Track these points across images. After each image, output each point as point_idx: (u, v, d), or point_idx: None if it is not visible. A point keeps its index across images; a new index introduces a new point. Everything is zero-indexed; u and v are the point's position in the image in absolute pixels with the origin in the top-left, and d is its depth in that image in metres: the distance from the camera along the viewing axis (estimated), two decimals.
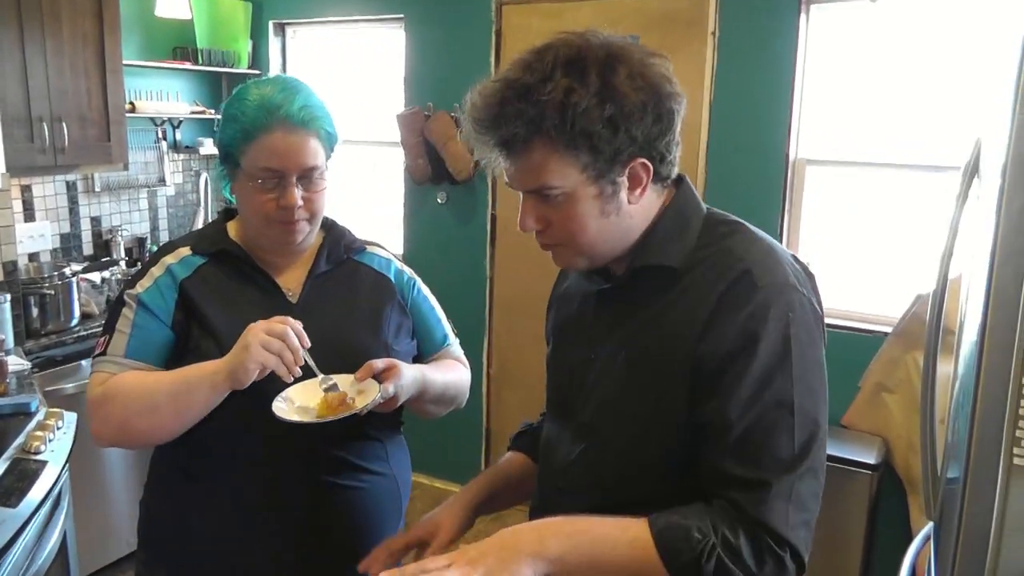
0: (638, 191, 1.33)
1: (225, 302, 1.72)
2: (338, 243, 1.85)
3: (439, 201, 4.59)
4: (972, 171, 2.30)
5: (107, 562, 3.78)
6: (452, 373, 1.91)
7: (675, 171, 1.38)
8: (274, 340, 1.52)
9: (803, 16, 3.58)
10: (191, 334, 1.70)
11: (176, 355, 1.70)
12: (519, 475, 1.68)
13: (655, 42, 3.81)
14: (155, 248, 4.57)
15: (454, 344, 2.00)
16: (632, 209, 1.34)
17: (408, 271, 1.96)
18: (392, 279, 1.89)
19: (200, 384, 1.58)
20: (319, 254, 1.82)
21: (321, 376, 1.64)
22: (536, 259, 4.80)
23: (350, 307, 1.81)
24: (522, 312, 4.43)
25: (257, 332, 1.53)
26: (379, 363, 1.65)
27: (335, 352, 1.69)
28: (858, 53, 3.59)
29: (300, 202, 1.67)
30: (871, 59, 3.56)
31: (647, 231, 1.38)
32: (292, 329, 1.54)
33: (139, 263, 4.44)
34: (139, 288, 1.73)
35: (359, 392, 1.63)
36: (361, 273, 1.87)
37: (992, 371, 1.93)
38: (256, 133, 1.64)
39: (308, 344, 1.57)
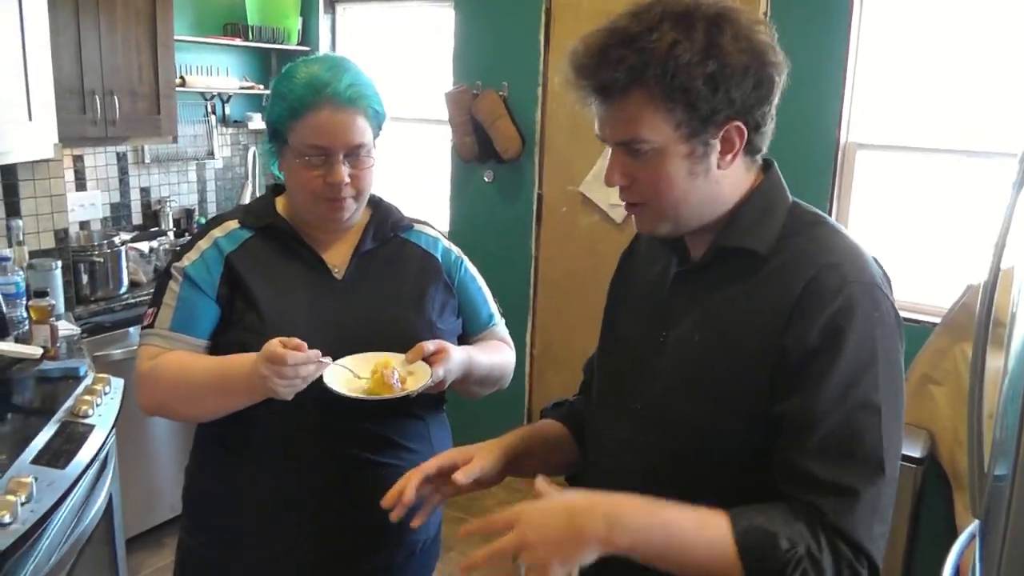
0: (729, 156, 1.28)
1: (270, 276, 1.74)
2: (385, 221, 1.86)
3: (486, 180, 4.59)
4: None
5: (151, 525, 3.85)
6: (497, 355, 1.91)
7: (767, 144, 1.35)
8: (284, 370, 1.50)
9: None
10: (235, 307, 1.72)
11: (221, 328, 1.73)
12: (554, 440, 1.62)
13: None
14: (203, 220, 4.64)
15: (500, 324, 1.99)
16: (721, 175, 1.30)
17: (456, 250, 1.95)
18: (439, 258, 1.89)
19: (237, 389, 1.61)
20: (366, 231, 1.82)
21: (375, 354, 1.65)
22: (582, 240, 4.81)
23: (395, 285, 1.81)
24: (567, 293, 4.42)
25: (266, 370, 1.51)
26: (430, 345, 1.65)
27: (379, 329, 1.71)
28: (913, 34, 3.53)
29: (347, 179, 1.68)
30: (927, 40, 3.49)
31: (733, 212, 1.34)
32: (291, 356, 1.50)
33: (187, 233, 4.49)
34: (186, 261, 1.75)
35: (409, 373, 1.64)
36: (408, 251, 1.87)
37: None
38: (303, 111, 1.65)
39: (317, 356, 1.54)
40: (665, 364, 1.36)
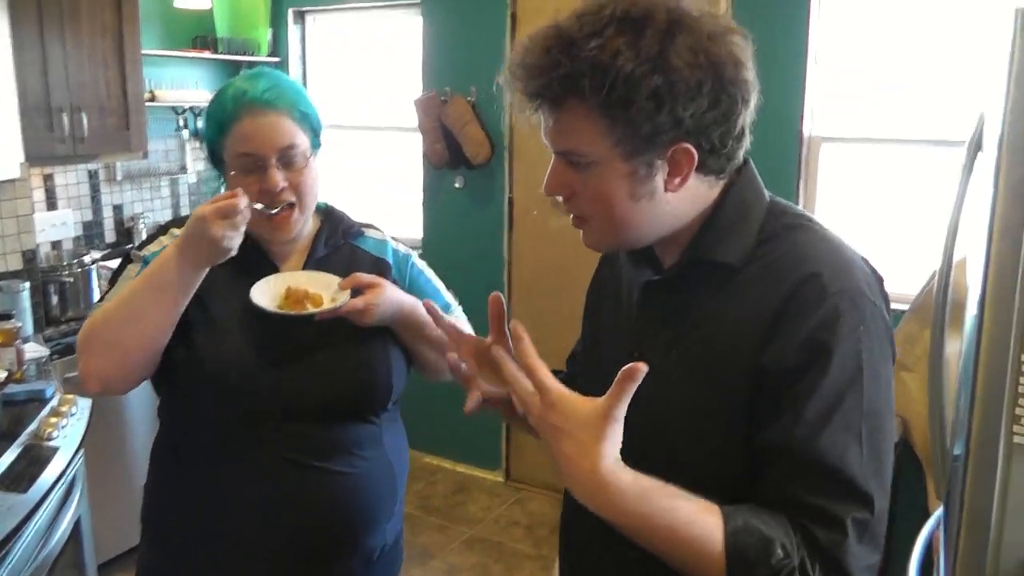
0: (677, 180, 1.17)
1: (223, 279, 1.72)
2: (336, 228, 1.85)
3: (457, 185, 4.60)
4: (976, 145, 2.27)
5: (128, 547, 3.80)
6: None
7: (731, 165, 1.23)
8: (237, 219, 1.53)
9: None
10: (187, 310, 1.71)
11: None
12: None
13: None
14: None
15: (457, 311, 1.98)
16: (671, 197, 1.19)
17: (403, 248, 1.95)
18: (389, 260, 1.89)
19: (169, 278, 1.59)
20: (317, 238, 1.82)
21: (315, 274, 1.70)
22: (553, 243, 4.83)
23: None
24: (540, 294, 4.44)
25: (218, 229, 1.53)
26: (365, 277, 1.67)
27: (328, 337, 1.70)
28: (870, 28, 3.55)
29: (282, 183, 1.67)
30: (882, 34, 3.52)
31: (704, 221, 1.24)
32: (240, 202, 1.53)
33: None
34: (146, 252, 1.76)
35: (332, 300, 1.65)
36: (358, 257, 1.86)
37: (992, 347, 1.91)
38: (229, 124, 1.66)
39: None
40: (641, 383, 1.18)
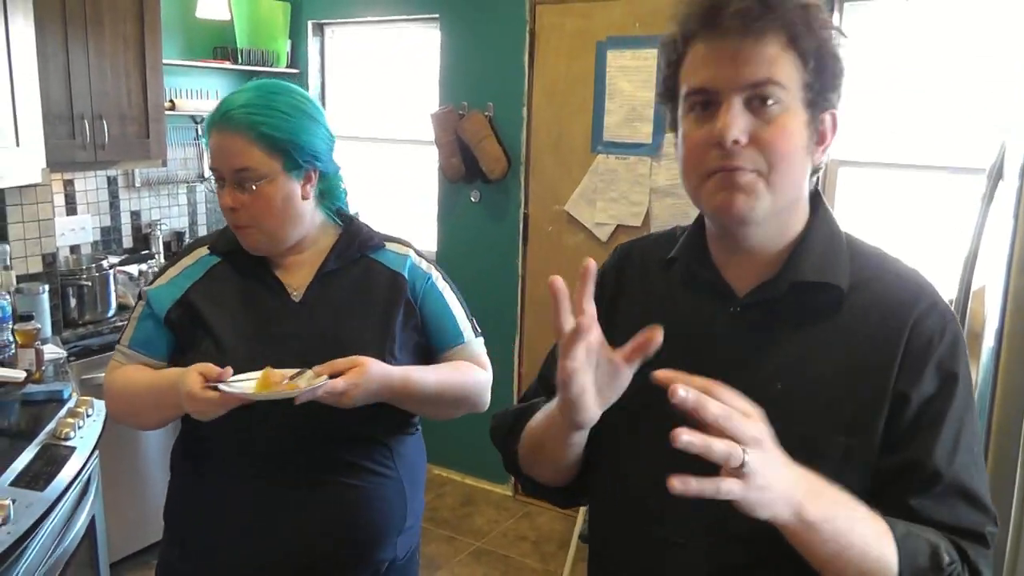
0: (821, 148, 1.17)
1: (229, 302, 1.77)
2: (352, 241, 1.84)
3: (472, 200, 4.62)
4: (997, 174, 2.28)
5: (142, 546, 3.84)
6: (456, 374, 1.86)
7: (816, 173, 1.23)
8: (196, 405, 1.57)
9: (836, 14, 3.56)
10: (192, 333, 1.75)
11: (179, 350, 1.78)
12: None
13: None
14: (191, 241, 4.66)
15: (471, 344, 1.92)
16: (808, 171, 1.17)
17: (425, 265, 1.90)
18: (406, 275, 1.85)
19: (168, 404, 1.67)
20: (330, 252, 1.82)
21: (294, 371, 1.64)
22: (568, 259, 4.84)
23: (356, 306, 1.79)
24: None
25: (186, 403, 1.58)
26: (341, 362, 1.62)
27: (332, 350, 1.68)
28: (888, 52, 3.56)
29: (233, 204, 1.69)
30: (902, 58, 3.53)
31: (795, 245, 1.21)
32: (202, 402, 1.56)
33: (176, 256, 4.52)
34: (154, 285, 1.81)
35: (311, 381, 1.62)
36: (375, 271, 1.84)
37: (1009, 378, 1.91)
38: (208, 136, 1.70)
39: (229, 374, 1.57)
40: None
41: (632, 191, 4.10)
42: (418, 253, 1.93)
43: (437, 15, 4.59)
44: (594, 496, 1.40)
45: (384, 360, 1.71)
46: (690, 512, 1.10)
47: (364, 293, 1.81)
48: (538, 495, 1.43)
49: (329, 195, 1.84)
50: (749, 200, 1.13)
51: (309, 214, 1.78)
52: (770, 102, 1.10)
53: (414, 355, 1.84)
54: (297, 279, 1.81)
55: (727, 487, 0.93)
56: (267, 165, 1.68)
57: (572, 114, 4.26)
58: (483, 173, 4.45)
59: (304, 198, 1.75)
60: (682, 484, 0.91)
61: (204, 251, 1.84)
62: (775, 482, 0.97)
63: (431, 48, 4.70)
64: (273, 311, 1.76)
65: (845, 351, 1.17)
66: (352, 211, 1.92)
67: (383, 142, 5.13)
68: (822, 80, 1.12)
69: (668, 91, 1.21)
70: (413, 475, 1.89)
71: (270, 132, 1.67)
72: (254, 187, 1.68)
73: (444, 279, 1.93)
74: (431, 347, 1.89)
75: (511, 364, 4.58)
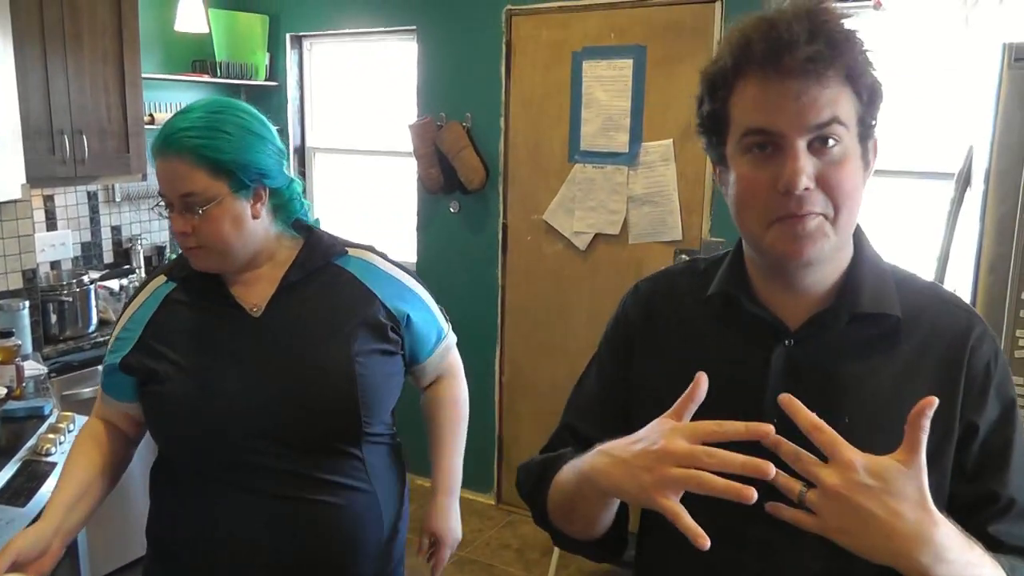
0: (867, 176, 1.16)
1: (188, 329, 1.75)
2: (313, 251, 1.80)
3: (451, 210, 4.64)
4: (965, 179, 2.32)
5: (124, 562, 3.84)
6: (459, 428, 2.06)
7: None
8: None
9: None
10: (154, 368, 1.73)
11: (144, 383, 1.76)
12: None
13: (660, 52, 3.88)
14: (173, 257, 4.66)
15: (444, 346, 1.96)
16: (861, 200, 1.15)
17: (388, 267, 1.87)
18: (371, 284, 1.81)
19: None
20: (292, 265, 1.77)
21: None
22: (547, 268, 4.86)
23: (317, 317, 1.76)
24: (534, 320, 4.47)
25: None
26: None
27: (294, 364, 1.69)
28: None
29: (182, 228, 1.65)
30: (875, 67, 3.56)
31: (846, 275, 1.20)
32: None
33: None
34: (112, 336, 1.81)
35: None
36: (343, 280, 1.80)
37: None
38: (153, 161, 1.66)
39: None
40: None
41: (610, 200, 4.14)
42: (382, 256, 1.89)
43: (414, 27, 4.62)
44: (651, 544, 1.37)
45: (352, 371, 1.71)
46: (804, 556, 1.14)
47: (331, 303, 1.77)
48: (575, 550, 1.39)
49: (284, 209, 1.78)
50: (817, 244, 1.11)
51: (263, 231, 1.73)
52: (831, 143, 1.08)
53: (385, 363, 1.81)
54: (255, 294, 1.76)
55: (791, 515, 1.00)
56: (213, 188, 1.63)
57: (549, 124, 4.29)
58: (462, 184, 4.47)
59: (255, 217, 1.70)
60: (773, 508, 0.99)
61: (161, 280, 1.81)
62: (861, 531, 0.97)
63: (409, 60, 4.72)
64: (229, 330, 1.73)
65: (909, 382, 1.15)
66: (312, 220, 1.87)
67: (362, 154, 5.15)
68: (871, 111, 1.12)
69: (713, 123, 1.18)
70: (388, 489, 1.86)
71: (213, 156, 1.62)
72: (200, 211, 1.63)
73: (414, 276, 1.91)
74: (413, 353, 1.89)
75: (492, 374, 4.58)
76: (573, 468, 1.22)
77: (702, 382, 1.04)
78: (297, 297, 1.76)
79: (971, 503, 1.15)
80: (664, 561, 1.32)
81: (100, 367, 1.86)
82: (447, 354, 1.98)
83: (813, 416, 0.97)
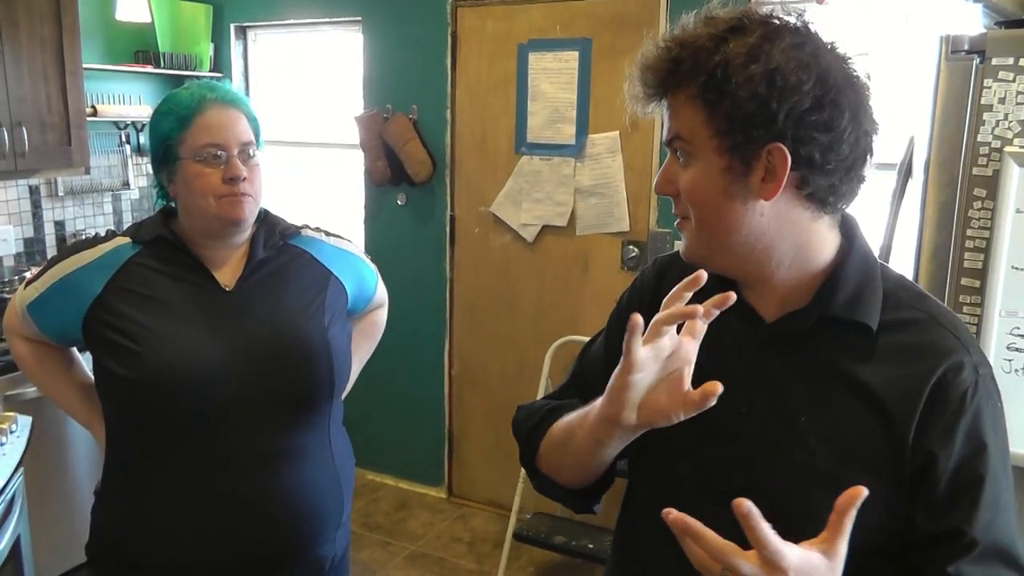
0: (772, 184, 1.11)
1: (157, 297, 1.75)
2: (273, 230, 1.89)
3: (399, 203, 4.62)
4: (907, 170, 2.37)
5: (71, 566, 3.76)
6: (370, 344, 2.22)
7: (839, 199, 1.19)
8: None
9: None
10: (125, 328, 1.72)
11: (98, 344, 1.76)
12: None
13: (606, 44, 3.90)
14: None
15: (379, 286, 2.16)
16: (767, 209, 1.14)
17: (332, 241, 2.01)
18: (322, 257, 1.94)
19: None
20: (254, 243, 1.84)
21: None
22: (495, 260, 4.88)
23: (286, 293, 1.84)
24: (482, 313, 4.48)
25: None
26: None
27: (271, 339, 1.77)
28: None
29: (244, 174, 1.73)
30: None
31: (827, 277, 1.20)
32: None
33: None
34: (77, 263, 1.78)
35: None
36: (300, 258, 1.91)
37: None
38: (192, 116, 1.72)
39: None
40: (751, 444, 1.20)
41: (557, 192, 4.16)
42: (325, 232, 2.01)
43: (359, 18, 4.60)
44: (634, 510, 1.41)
45: (326, 340, 1.83)
46: None
47: (291, 280, 1.86)
48: (551, 494, 1.42)
49: None
50: (689, 245, 1.22)
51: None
52: (678, 154, 1.18)
53: (344, 328, 1.94)
54: (227, 272, 1.82)
55: None
56: (255, 143, 1.80)
57: (496, 116, 4.30)
58: (409, 176, 4.46)
59: None
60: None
61: (122, 241, 1.81)
62: None
63: (355, 51, 4.70)
64: (205, 301, 1.77)
65: (871, 391, 1.15)
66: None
67: (308, 146, 5.11)
68: (737, 121, 1.10)
69: None
70: (346, 467, 1.94)
71: (254, 115, 1.83)
72: (254, 158, 1.77)
73: (345, 239, 2.06)
74: (357, 305, 2.05)
75: (441, 367, 4.54)
76: (578, 412, 1.26)
77: (716, 389, 1.03)
78: (265, 274, 1.84)
79: (934, 538, 1.14)
80: (639, 544, 1.35)
81: (28, 281, 1.86)
82: (379, 293, 2.16)
83: (764, 532, 0.93)
